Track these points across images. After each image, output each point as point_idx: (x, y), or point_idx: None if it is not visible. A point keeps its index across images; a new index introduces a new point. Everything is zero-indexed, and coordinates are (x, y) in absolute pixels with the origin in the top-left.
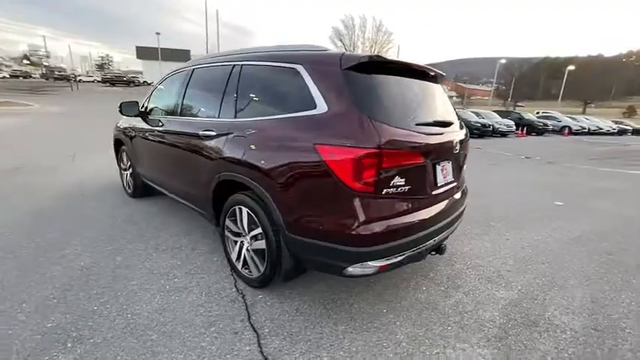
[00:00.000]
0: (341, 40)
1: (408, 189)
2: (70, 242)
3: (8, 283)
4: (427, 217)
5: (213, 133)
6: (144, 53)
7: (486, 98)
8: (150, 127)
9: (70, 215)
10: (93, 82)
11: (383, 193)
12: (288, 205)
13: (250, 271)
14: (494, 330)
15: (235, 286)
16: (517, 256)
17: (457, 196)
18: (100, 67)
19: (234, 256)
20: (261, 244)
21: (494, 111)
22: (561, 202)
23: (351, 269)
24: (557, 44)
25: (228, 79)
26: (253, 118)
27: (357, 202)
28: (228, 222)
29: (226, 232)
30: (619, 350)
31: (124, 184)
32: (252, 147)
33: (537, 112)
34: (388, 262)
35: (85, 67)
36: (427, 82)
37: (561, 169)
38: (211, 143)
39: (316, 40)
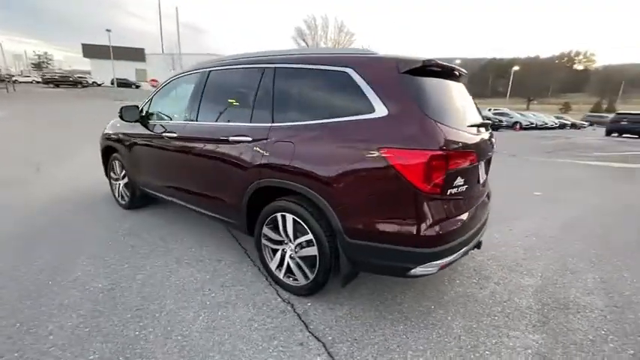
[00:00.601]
0: (304, 40)
1: (465, 188)
2: (75, 262)
3: (22, 314)
4: (476, 214)
5: (249, 139)
6: (91, 51)
7: None
8: (154, 133)
9: (63, 233)
10: (31, 82)
11: (447, 193)
12: (348, 210)
13: (296, 280)
14: (535, 316)
15: (279, 295)
16: (525, 245)
17: (487, 192)
18: (37, 66)
19: (273, 265)
20: (312, 250)
21: None
22: (539, 192)
23: (414, 270)
24: (501, 45)
25: (260, 82)
26: (298, 123)
27: (425, 204)
28: (266, 230)
29: (264, 241)
30: None
31: (116, 195)
32: (303, 152)
33: (489, 110)
34: (448, 260)
35: (19, 67)
36: (459, 83)
37: (524, 161)
38: (246, 149)
39: (278, 39)
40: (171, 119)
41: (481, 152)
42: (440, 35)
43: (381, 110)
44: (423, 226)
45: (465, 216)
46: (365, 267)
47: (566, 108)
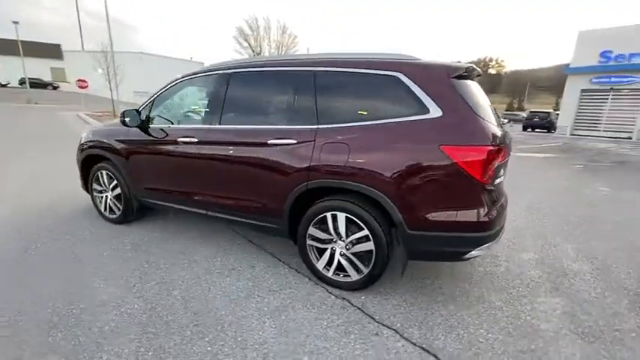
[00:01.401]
0: (246, 40)
1: (503, 177)
2: (92, 286)
3: (61, 348)
4: (505, 201)
5: (292, 141)
6: None
7: None
8: (162, 138)
9: (54, 254)
10: None
11: (494, 183)
12: (409, 204)
13: (348, 275)
14: (547, 283)
15: (330, 293)
16: (509, 227)
17: None
18: None
19: (320, 265)
20: (367, 245)
21: None
22: None
23: (471, 253)
24: (427, 49)
25: (298, 85)
26: (351, 124)
27: (483, 194)
28: (312, 230)
29: (309, 241)
30: (621, 278)
31: (101, 209)
32: (361, 152)
33: None
34: (495, 242)
35: None
36: (476, 83)
37: None
38: (289, 152)
39: (218, 38)
40: (173, 123)
41: (508, 146)
42: (365, 37)
43: (435, 111)
44: (481, 212)
45: (502, 203)
46: (423, 255)
47: None
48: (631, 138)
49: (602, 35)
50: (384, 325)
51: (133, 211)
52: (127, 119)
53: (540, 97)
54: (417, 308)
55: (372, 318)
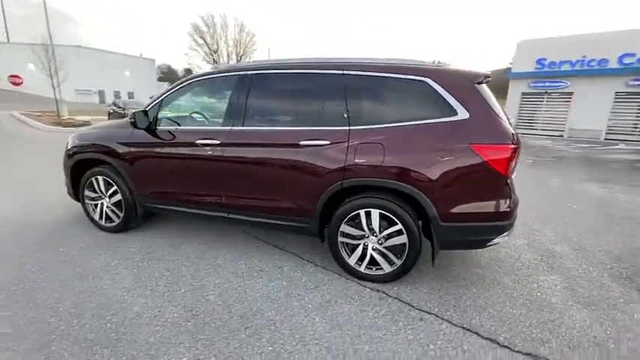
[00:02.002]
0: (202, 38)
1: (515, 173)
2: (117, 299)
3: None
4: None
5: (326, 142)
6: None
7: None
8: (175, 141)
9: (54, 269)
10: None
11: (512, 176)
12: (442, 198)
13: (380, 268)
14: (543, 264)
15: (364, 286)
16: None
17: None
18: None
19: (352, 260)
20: (401, 239)
21: None
22: None
23: (494, 240)
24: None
25: (328, 87)
26: (384, 125)
27: (505, 187)
28: (344, 227)
29: (341, 239)
30: (597, 256)
31: (95, 218)
32: (396, 151)
33: None
34: (512, 231)
35: None
36: None
37: None
38: (323, 152)
39: (174, 35)
40: (180, 125)
41: (520, 144)
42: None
43: (463, 113)
44: (504, 204)
45: (516, 195)
46: (453, 245)
47: None
48: (562, 136)
49: (538, 45)
50: (424, 311)
51: (136, 218)
52: (138, 121)
53: None
54: (445, 294)
55: (411, 306)
